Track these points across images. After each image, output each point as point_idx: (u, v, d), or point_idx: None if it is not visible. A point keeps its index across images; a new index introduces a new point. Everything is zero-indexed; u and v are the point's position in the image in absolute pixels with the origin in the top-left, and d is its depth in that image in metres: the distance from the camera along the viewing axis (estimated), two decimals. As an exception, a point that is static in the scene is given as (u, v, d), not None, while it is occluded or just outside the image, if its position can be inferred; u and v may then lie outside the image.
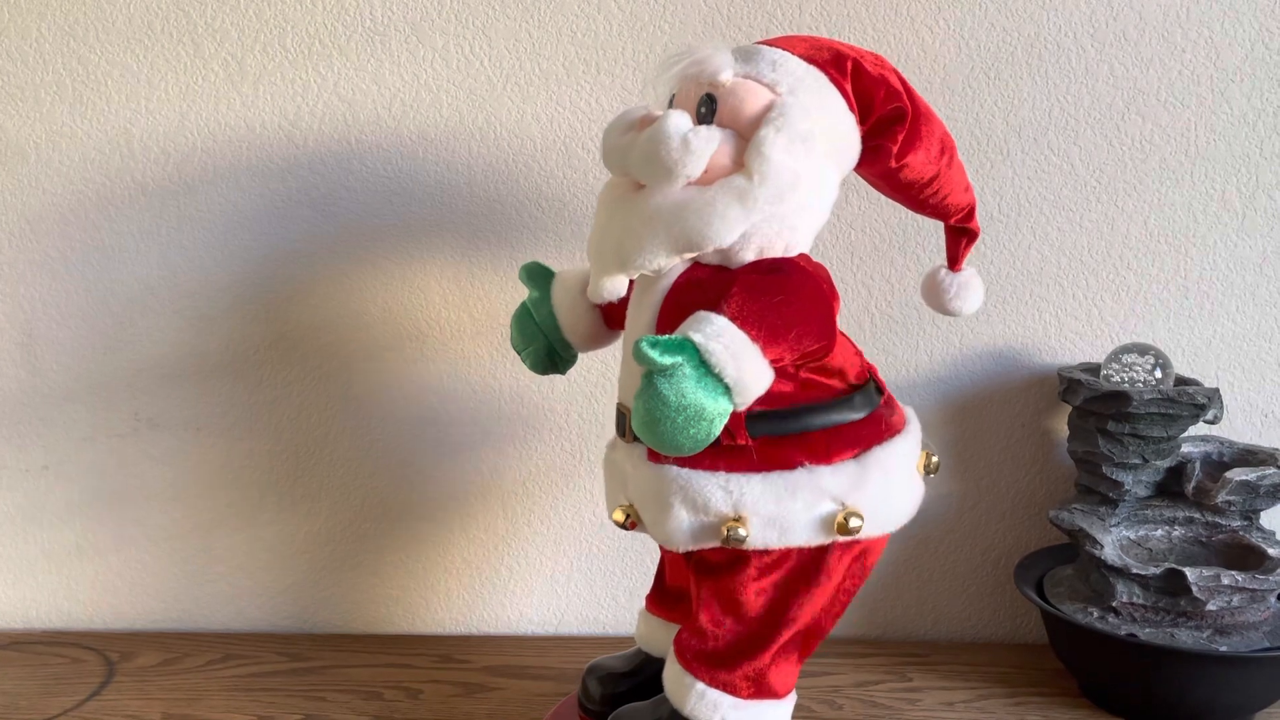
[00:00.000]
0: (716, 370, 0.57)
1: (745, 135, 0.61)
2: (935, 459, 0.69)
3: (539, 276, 0.74)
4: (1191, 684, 0.78)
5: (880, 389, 0.68)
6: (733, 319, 0.58)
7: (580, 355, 0.75)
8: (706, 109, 0.62)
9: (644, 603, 0.77)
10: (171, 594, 1.00)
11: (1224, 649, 0.78)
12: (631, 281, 0.66)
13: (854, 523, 0.62)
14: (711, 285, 0.62)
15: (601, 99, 0.91)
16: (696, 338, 0.57)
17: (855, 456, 0.64)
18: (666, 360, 0.56)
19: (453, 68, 0.91)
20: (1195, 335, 0.94)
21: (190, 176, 0.93)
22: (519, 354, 0.75)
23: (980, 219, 0.72)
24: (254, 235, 0.94)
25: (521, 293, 0.75)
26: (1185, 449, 0.87)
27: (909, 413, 0.69)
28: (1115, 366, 0.87)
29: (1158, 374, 0.86)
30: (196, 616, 1.00)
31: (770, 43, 0.66)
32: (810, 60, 0.64)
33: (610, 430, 0.72)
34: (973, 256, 0.92)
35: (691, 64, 0.62)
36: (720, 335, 0.57)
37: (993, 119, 0.91)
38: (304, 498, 0.98)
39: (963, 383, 0.96)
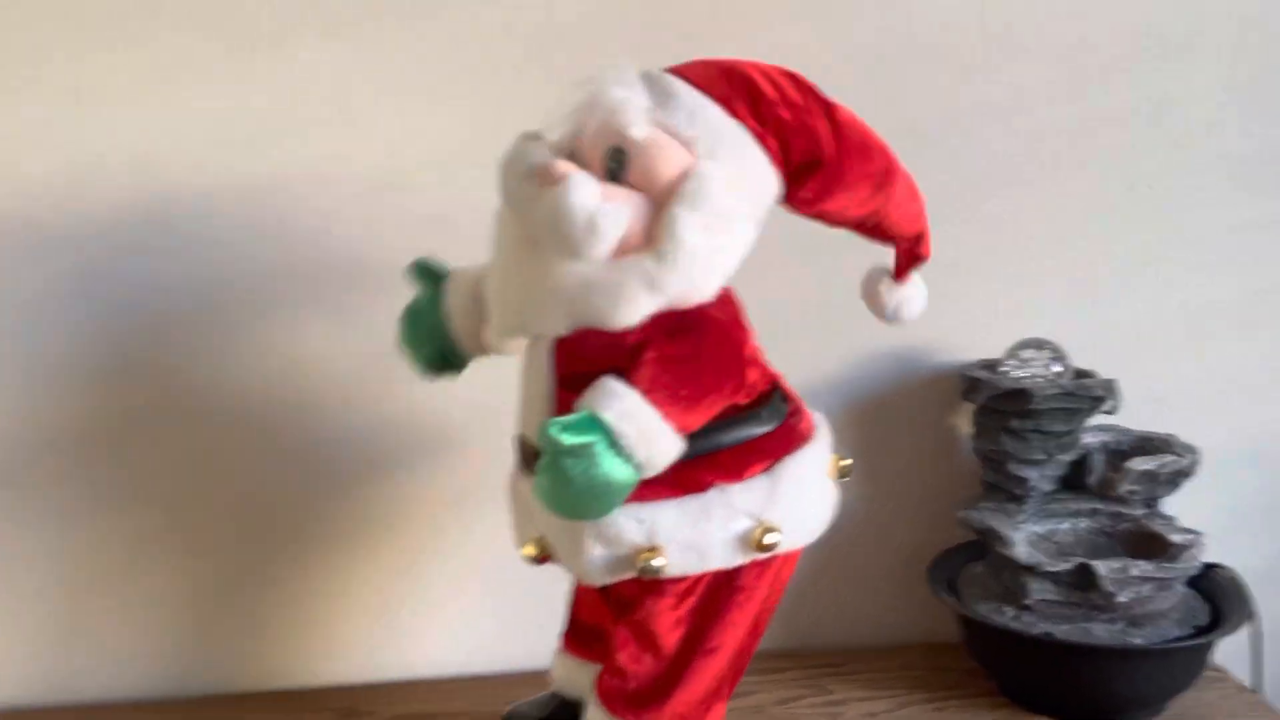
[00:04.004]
0: (627, 453, 0.55)
1: (658, 202, 0.57)
2: (846, 462, 0.67)
3: (431, 275, 0.69)
4: (1109, 678, 0.78)
5: (787, 397, 0.66)
6: (645, 393, 0.56)
7: (474, 365, 0.70)
8: (616, 163, 0.58)
9: (559, 642, 0.73)
10: (35, 666, 0.91)
11: (1139, 641, 0.78)
12: None
13: (770, 538, 0.60)
14: (618, 337, 0.58)
15: (483, 112, 0.87)
16: (608, 417, 0.55)
17: (766, 470, 0.62)
18: (576, 441, 0.54)
19: (323, 83, 0.85)
20: (1085, 326, 0.95)
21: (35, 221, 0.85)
22: (407, 355, 0.70)
23: None
24: (110, 284, 0.86)
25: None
26: (1084, 439, 0.88)
27: (817, 418, 0.67)
28: (1013, 362, 0.87)
29: (1056, 368, 0.86)
30: (62, 689, 0.91)
31: (683, 72, 0.61)
32: (728, 106, 0.59)
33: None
34: (865, 256, 0.92)
35: (603, 112, 0.57)
36: (633, 416, 0.55)
37: (879, 118, 0.89)
38: (181, 550, 0.91)
39: (866, 384, 0.95)
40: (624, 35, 0.87)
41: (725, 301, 0.61)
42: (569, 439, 0.53)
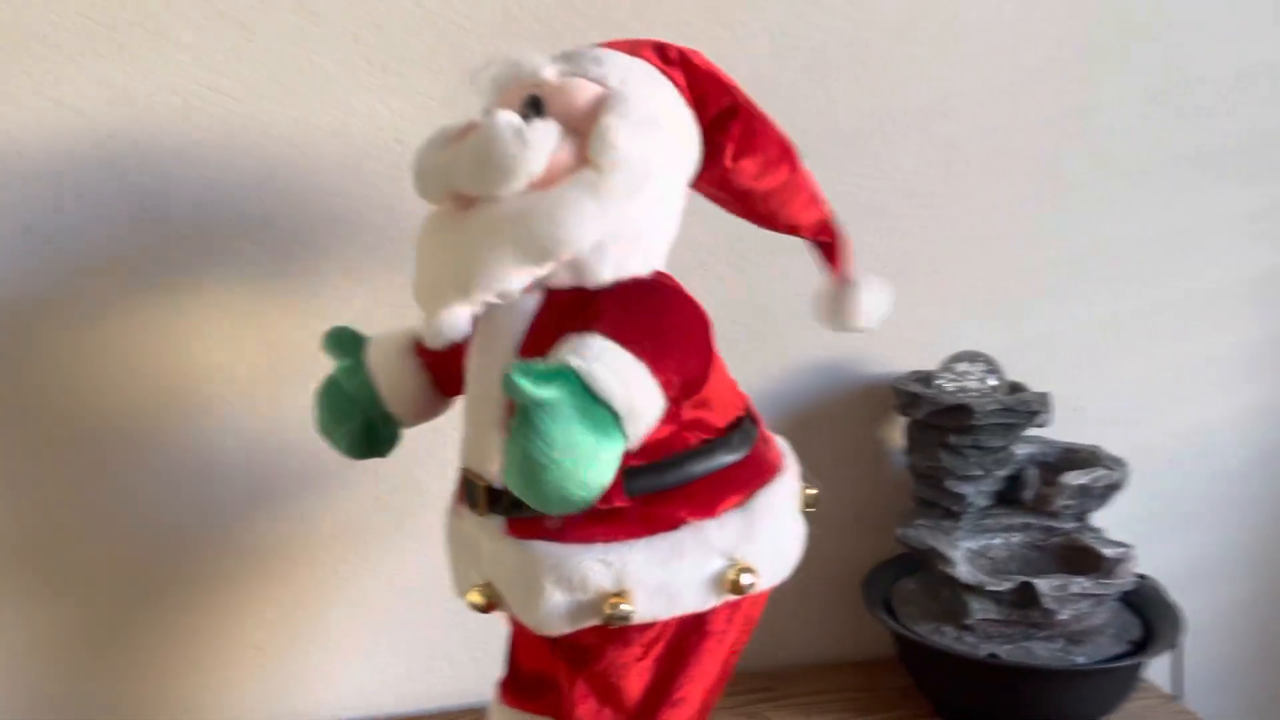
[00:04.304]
0: (604, 397, 0.48)
1: (582, 130, 0.53)
2: (812, 491, 0.63)
3: (347, 343, 0.63)
4: (1053, 698, 0.77)
5: (755, 421, 0.61)
6: (610, 336, 0.50)
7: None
8: (533, 110, 0.54)
9: (496, 692, 0.67)
10: None
11: (1081, 659, 0.77)
12: (474, 324, 0.55)
13: (746, 579, 0.55)
14: (574, 310, 0.53)
15: (390, 101, 0.79)
16: (575, 361, 0.48)
17: (740, 504, 0.57)
18: (544, 392, 0.46)
19: (204, 67, 0.76)
20: (1008, 336, 0.94)
21: None
22: (328, 438, 0.64)
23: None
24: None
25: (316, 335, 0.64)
26: (1016, 453, 0.87)
27: (783, 444, 0.63)
28: (948, 375, 0.85)
29: (991, 381, 0.84)
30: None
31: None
32: (634, 54, 0.57)
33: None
34: (792, 265, 0.89)
35: (508, 65, 0.55)
36: (600, 356, 0.49)
37: (809, 120, 0.86)
38: (41, 590, 0.80)
39: (795, 397, 0.91)
40: (539, 29, 0.80)
41: (674, 282, 0.57)
42: (535, 387, 0.46)
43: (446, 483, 0.84)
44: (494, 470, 0.55)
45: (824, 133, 0.87)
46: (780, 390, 0.91)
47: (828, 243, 0.64)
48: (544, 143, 0.51)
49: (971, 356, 0.85)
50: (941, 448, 0.83)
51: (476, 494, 0.56)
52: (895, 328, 0.91)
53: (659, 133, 0.54)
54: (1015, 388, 0.86)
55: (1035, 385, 0.90)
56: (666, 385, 0.51)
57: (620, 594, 0.54)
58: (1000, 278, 0.93)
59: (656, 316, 0.53)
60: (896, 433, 0.93)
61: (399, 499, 0.85)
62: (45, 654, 0.80)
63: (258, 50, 0.76)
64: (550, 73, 0.55)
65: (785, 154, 0.59)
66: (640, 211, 0.54)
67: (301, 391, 0.80)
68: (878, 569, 0.89)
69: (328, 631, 0.85)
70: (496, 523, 0.56)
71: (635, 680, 0.57)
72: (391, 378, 0.61)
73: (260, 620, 0.84)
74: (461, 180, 0.53)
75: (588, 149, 0.52)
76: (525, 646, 0.65)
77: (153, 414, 0.79)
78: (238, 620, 0.84)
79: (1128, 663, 0.76)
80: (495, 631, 0.87)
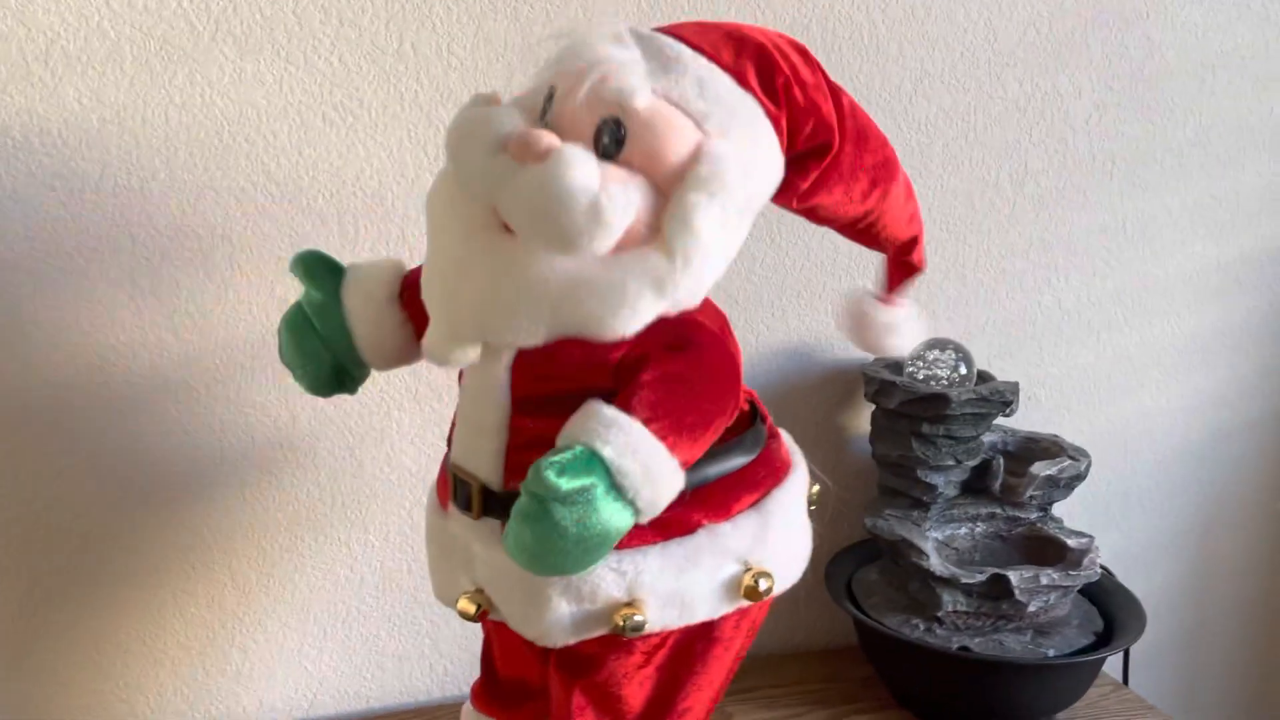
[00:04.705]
0: (630, 495, 0.45)
1: (662, 188, 0.47)
2: (815, 489, 0.60)
3: (321, 272, 0.56)
4: (1024, 690, 0.77)
5: (763, 418, 0.57)
6: (647, 422, 0.46)
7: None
8: (611, 139, 0.46)
9: (471, 697, 0.62)
10: None
11: (1051, 651, 0.77)
12: None
13: (764, 584, 0.52)
14: (586, 343, 0.48)
15: (346, 56, 0.72)
16: (607, 453, 0.44)
17: (754, 505, 0.54)
18: (574, 485, 0.43)
19: (137, 8, 0.68)
20: (970, 321, 0.93)
21: None
22: (292, 371, 0.56)
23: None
24: None
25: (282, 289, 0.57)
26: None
27: (789, 439, 0.60)
28: (919, 364, 0.83)
29: (962, 369, 0.83)
30: None
31: (679, 33, 0.50)
32: (739, 78, 0.49)
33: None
34: (766, 251, 0.86)
35: (599, 76, 0.46)
36: (636, 451, 0.45)
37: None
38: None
39: (756, 381, 0.88)
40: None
41: (710, 308, 0.52)
42: (567, 483, 0.43)
43: (391, 468, 0.80)
44: (489, 472, 0.51)
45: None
46: (748, 376, 0.87)
47: (907, 263, 0.59)
48: (620, 222, 0.44)
49: (942, 344, 0.84)
50: (914, 437, 0.81)
51: (469, 495, 0.51)
52: (860, 312, 0.90)
53: (745, 216, 0.48)
54: (981, 376, 0.85)
55: (993, 372, 0.89)
56: (688, 464, 0.48)
57: (631, 604, 0.50)
58: (964, 264, 0.92)
59: (698, 393, 0.48)
60: (857, 419, 0.91)
61: (341, 486, 0.79)
62: (-55, 660, 0.72)
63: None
64: (643, 101, 0.46)
65: (878, 180, 0.54)
66: (705, 287, 0.49)
67: (235, 371, 0.74)
68: (837, 557, 0.88)
69: (266, 629, 0.79)
70: (491, 525, 0.51)
71: (637, 690, 0.54)
72: (371, 327, 0.54)
73: (187, 619, 0.77)
74: (511, 215, 0.46)
75: (664, 220, 0.46)
76: (505, 652, 0.60)
77: (66, 395, 0.72)
78: (164, 619, 0.77)
79: (1101, 654, 0.76)
80: (445, 628, 0.83)
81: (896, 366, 0.85)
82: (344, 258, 0.73)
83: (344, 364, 0.55)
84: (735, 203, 0.47)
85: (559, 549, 0.44)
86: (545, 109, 0.48)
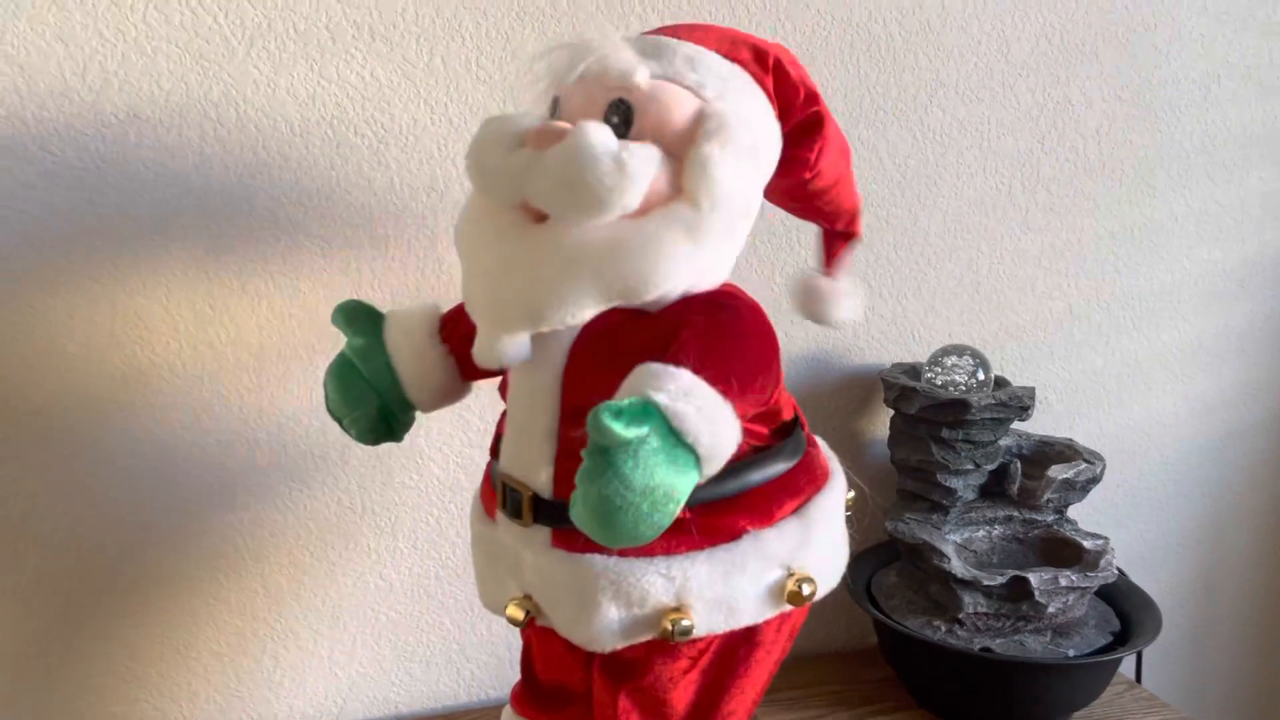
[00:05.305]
0: (689, 440, 0.45)
1: (674, 152, 0.49)
2: (853, 494, 0.62)
3: (362, 319, 0.58)
4: (1045, 690, 0.78)
5: (802, 425, 0.59)
6: (696, 372, 0.47)
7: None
8: (620, 119, 0.50)
9: (511, 700, 0.63)
10: None
11: (1071, 652, 0.78)
12: None
13: (806, 589, 0.54)
14: (634, 331, 0.50)
15: (378, 71, 0.73)
16: (661, 399, 0.45)
17: (796, 511, 0.55)
18: (633, 433, 0.43)
19: (174, 24, 0.69)
20: (984, 327, 0.95)
21: None
22: (340, 421, 0.58)
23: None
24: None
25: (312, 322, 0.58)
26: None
27: (825, 446, 0.61)
28: (937, 369, 0.85)
29: (980, 375, 0.84)
30: None
31: (669, 34, 0.53)
32: (729, 57, 0.53)
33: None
34: (781, 255, 0.88)
35: (596, 61, 0.49)
36: (689, 394, 0.46)
37: (804, 108, 0.85)
38: (-24, 601, 0.72)
39: (777, 389, 0.90)
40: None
41: (745, 295, 0.54)
42: (624, 428, 0.43)
43: (420, 476, 0.81)
44: (540, 480, 0.52)
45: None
46: (763, 381, 0.89)
47: (847, 234, 0.62)
48: (645, 173, 0.47)
49: (959, 350, 0.85)
50: (934, 441, 0.83)
51: (520, 504, 0.52)
52: (879, 318, 0.91)
53: (757, 165, 0.51)
54: (998, 382, 0.87)
55: (1006, 377, 0.91)
56: (743, 418, 0.49)
57: (679, 609, 0.51)
58: (978, 271, 0.94)
59: (738, 346, 0.50)
60: (875, 424, 0.92)
61: (371, 495, 0.80)
62: (-16, 670, 0.73)
63: (235, 7, 0.69)
64: (643, 77, 0.49)
65: (844, 151, 0.57)
66: (735, 244, 0.51)
67: (269, 381, 0.75)
68: (857, 559, 0.88)
69: (297, 636, 0.80)
70: (543, 534, 0.52)
71: (682, 694, 0.55)
72: (414, 364, 0.57)
73: (220, 627, 0.78)
74: (541, 197, 0.48)
75: (684, 177, 0.49)
76: (545, 657, 0.61)
77: (103, 406, 0.73)
78: (197, 627, 0.78)
79: (1121, 654, 0.78)
80: (474, 634, 0.84)
81: (915, 372, 0.87)
82: (374, 268, 0.76)
83: (390, 407, 0.57)
84: (743, 150, 0.50)
85: (627, 503, 0.44)
86: (553, 115, 0.52)
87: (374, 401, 0.57)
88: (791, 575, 0.53)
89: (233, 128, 0.71)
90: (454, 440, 0.81)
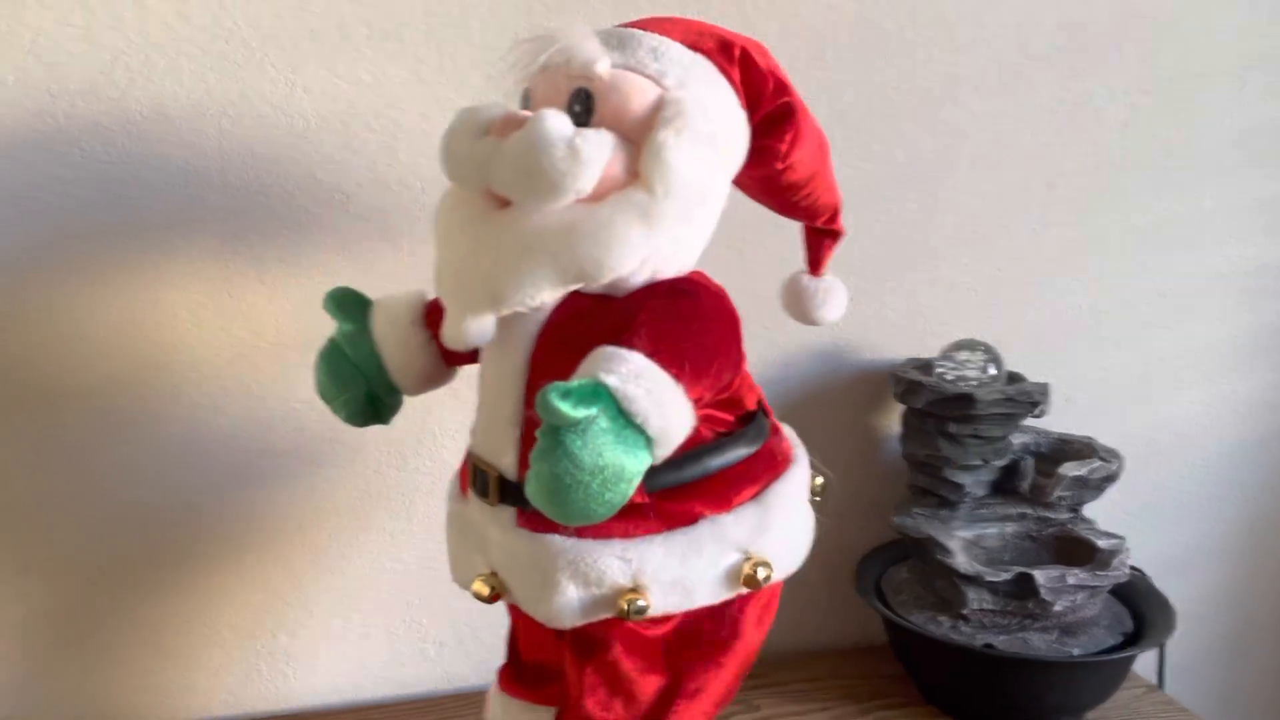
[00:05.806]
0: (639, 421, 0.46)
1: (633, 139, 0.51)
2: (819, 481, 0.62)
3: (351, 306, 0.60)
4: (1050, 689, 0.77)
5: (766, 412, 0.60)
6: (649, 355, 0.48)
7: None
8: (582, 107, 0.51)
9: (496, 679, 0.65)
10: None
11: (1077, 650, 0.77)
12: None
13: (762, 573, 0.54)
14: (599, 317, 0.51)
15: (388, 69, 0.76)
16: (611, 380, 0.46)
17: (755, 497, 0.56)
18: (580, 413, 0.45)
19: (194, 26, 0.72)
20: (1000, 324, 0.94)
21: None
22: (329, 404, 0.61)
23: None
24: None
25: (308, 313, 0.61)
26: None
27: (791, 433, 0.62)
28: (948, 364, 0.84)
29: (991, 370, 0.84)
30: None
31: (638, 26, 0.55)
32: (694, 48, 0.54)
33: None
34: (794, 255, 0.88)
35: (558, 52, 0.51)
36: (639, 377, 0.47)
37: (817, 104, 0.84)
38: (11, 570, 0.76)
39: (790, 383, 0.90)
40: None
41: (710, 282, 0.56)
42: (572, 409, 0.45)
43: (434, 462, 0.83)
44: (506, 462, 0.54)
45: (828, 116, 0.84)
46: (774, 375, 0.90)
47: (829, 231, 0.62)
48: (597, 158, 0.49)
49: (971, 345, 0.85)
50: (941, 436, 0.82)
51: (487, 483, 0.54)
52: (892, 313, 0.91)
53: (715, 152, 0.52)
54: (1012, 377, 0.86)
55: (1027, 374, 0.90)
56: (698, 402, 0.50)
57: (635, 589, 0.52)
58: (995, 266, 0.93)
59: (695, 330, 0.51)
60: (887, 419, 0.92)
61: (386, 479, 0.83)
62: (12, 635, 0.77)
63: (252, 8, 0.73)
64: (604, 67, 0.51)
65: (822, 144, 0.58)
66: (691, 230, 0.52)
67: (286, 369, 0.78)
68: (870, 556, 0.89)
69: (311, 615, 0.83)
70: (508, 513, 0.54)
71: (647, 669, 0.56)
72: (398, 349, 0.59)
73: (240, 604, 0.81)
74: (501, 182, 0.50)
75: (640, 163, 0.50)
76: (528, 636, 0.63)
77: (128, 391, 0.76)
78: (215, 603, 0.81)
79: (1126, 654, 0.77)
80: (484, 616, 0.86)
81: (926, 366, 0.87)
82: (384, 258, 0.79)
83: (377, 391, 0.60)
84: (700, 137, 0.51)
85: (577, 481, 0.45)
86: (524, 106, 0.54)
87: (361, 385, 0.59)
88: (749, 559, 0.54)
89: (250, 125, 0.74)
90: (467, 425, 0.82)
